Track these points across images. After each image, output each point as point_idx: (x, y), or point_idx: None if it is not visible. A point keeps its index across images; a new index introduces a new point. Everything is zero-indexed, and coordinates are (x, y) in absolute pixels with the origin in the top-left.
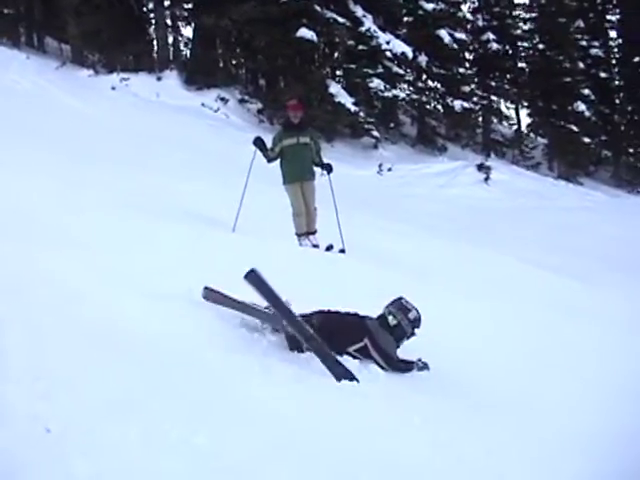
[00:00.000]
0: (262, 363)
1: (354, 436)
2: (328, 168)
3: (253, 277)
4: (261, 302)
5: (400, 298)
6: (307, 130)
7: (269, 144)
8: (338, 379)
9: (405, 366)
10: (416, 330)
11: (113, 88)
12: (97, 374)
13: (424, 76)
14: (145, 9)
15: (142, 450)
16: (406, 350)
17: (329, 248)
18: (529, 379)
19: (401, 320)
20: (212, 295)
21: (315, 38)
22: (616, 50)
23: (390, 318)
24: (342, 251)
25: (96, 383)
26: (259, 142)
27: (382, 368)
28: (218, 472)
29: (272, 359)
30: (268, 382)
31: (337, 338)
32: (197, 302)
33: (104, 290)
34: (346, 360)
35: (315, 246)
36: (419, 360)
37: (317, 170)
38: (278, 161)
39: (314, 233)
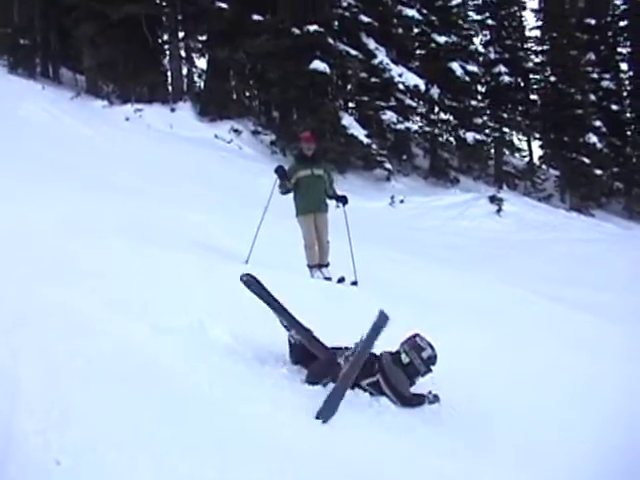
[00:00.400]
0: (272, 395)
1: (359, 468)
2: (343, 200)
3: (249, 280)
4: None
5: (415, 335)
6: (321, 162)
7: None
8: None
9: (417, 400)
10: (432, 367)
11: (127, 119)
12: (107, 405)
13: (436, 108)
14: (160, 40)
15: None
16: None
17: (341, 280)
18: (537, 412)
19: (413, 359)
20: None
21: (328, 70)
22: (627, 82)
23: (403, 356)
24: (354, 283)
25: (106, 415)
26: (281, 170)
27: (394, 403)
28: None
29: (284, 392)
30: (278, 414)
31: None
32: (208, 335)
33: (115, 321)
34: (357, 394)
35: (327, 279)
36: (429, 393)
37: (331, 203)
38: (292, 194)
39: (327, 266)
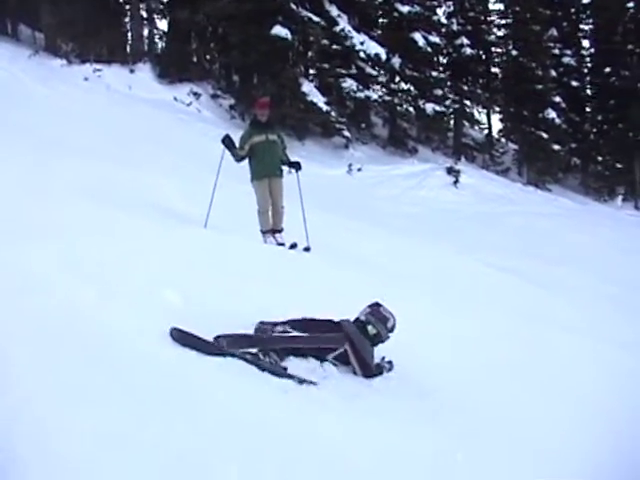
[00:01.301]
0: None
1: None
2: (297, 166)
3: (177, 335)
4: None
5: (379, 305)
6: (274, 128)
7: (238, 142)
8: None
9: (378, 370)
10: (390, 334)
11: (86, 79)
12: (49, 368)
13: (397, 78)
14: (121, 0)
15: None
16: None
17: (293, 246)
18: (487, 384)
19: (380, 330)
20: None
21: (290, 36)
22: (588, 59)
23: (370, 327)
24: (307, 249)
25: (47, 377)
26: (227, 140)
27: (354, 373)
28: None
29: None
30: (223, 376)
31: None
32: (159, 298)
33: (65, 282)
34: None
35: (280, 244)
36: (383, 359)
37: (285, 168)
38: (247, 160)
39: (280, 231)
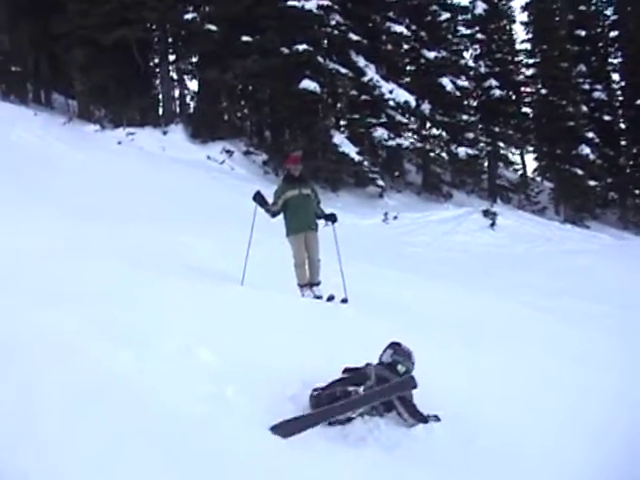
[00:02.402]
0: (261, 418)
1: None
2: (332, 218)
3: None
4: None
5: (398, 344)
6: (307, 182)
7: (270, 198)
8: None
9: (422, 418)
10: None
11: (119, 142)
12: (88, 430)
13: (428, 124)
14: (150, 64)
15: None
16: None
17: (330, 298)
18: (528, 427)
19: (409, 367)
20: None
21: (318, 89)
22: (619, 93)
23: (399, 367)
24: (344, 301)
25: (86, 440)
26: (259, 197)
27: (400, 416)
28: None
29: (272, 414)
30: (265, 436)
31: None
32: (195, 359)
33: (102, 345)
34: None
35: (318, 297)
36: (430, 415)
37: (320, 222)
38: (281, 215)
39: (318, 284)
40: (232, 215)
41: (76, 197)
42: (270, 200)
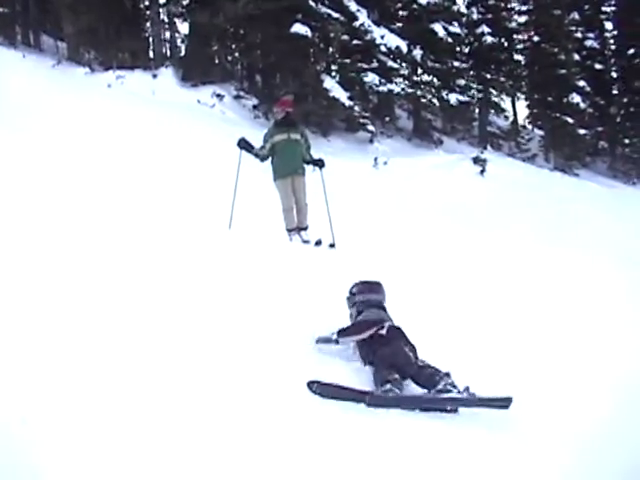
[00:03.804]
0: None
1: None
2: (320, 164)
3: (316, 388)
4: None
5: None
6: (297, 126)
7: (258, 142)
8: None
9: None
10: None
11: (109, 86)
12: None
13: (419, 70)
14: (141, 6)
15: None
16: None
17: (318, 243)
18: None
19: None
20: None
21: (309, 33)
22: (611, 42)
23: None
24: (332, 245)
25: None
26: (243, 143)
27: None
28: None
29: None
30: None
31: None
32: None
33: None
34: None
35: (305, 242)
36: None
37: (309, 167)
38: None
39: (305, 229)
40: (223, 159)
41: (64, 140)
42: (260, 144)
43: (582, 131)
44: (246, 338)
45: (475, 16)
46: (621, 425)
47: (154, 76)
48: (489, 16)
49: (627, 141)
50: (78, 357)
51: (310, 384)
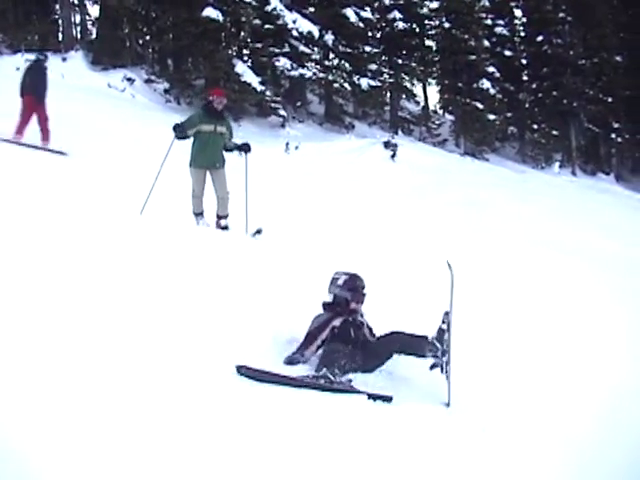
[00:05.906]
0: None
1: None
2: (245, 148)
3: (245, 372)
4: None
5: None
6: (225, 119)
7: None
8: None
9: None
10: (364, 291)
11: (17, 69)
12: None
13: (331, 55)
14: None
15: None
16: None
17: (258, 232)
18: None
19: (335, 292)
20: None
21: (221, 17)
22: (521, 29)
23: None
24: (259, 232)
25: None
26: (179, 129)
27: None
28: None
29: None
30: None
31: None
32: None
33: None
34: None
35: (224, 228)
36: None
37: (233, 154)
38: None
39: (225, 217)
40: (134, 143)
41: None
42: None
43: (492, 116)
44: (161, 328)
45: (387, 1)
46: (613, 426)
47: (63, 59)
48: (401, 2)
49: (536, 126)
50: None
51: (239, 368)
